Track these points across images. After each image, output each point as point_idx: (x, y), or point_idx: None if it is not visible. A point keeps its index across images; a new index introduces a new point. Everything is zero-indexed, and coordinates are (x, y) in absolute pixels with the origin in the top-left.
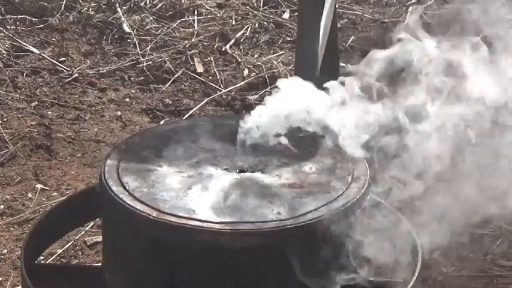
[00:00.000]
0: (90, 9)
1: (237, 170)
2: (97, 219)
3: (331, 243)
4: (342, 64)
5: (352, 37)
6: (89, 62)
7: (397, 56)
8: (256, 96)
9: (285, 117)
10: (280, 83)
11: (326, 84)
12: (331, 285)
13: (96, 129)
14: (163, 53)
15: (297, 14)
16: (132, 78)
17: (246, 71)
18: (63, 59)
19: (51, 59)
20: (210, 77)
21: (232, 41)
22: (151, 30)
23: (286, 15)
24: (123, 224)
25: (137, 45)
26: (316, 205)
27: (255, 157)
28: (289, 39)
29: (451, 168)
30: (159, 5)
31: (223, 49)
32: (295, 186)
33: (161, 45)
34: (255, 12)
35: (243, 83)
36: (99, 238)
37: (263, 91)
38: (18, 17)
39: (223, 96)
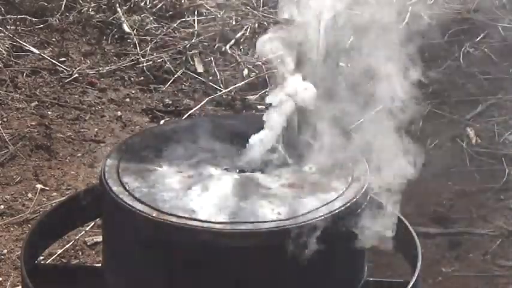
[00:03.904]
0: (90, 9)
1: (237, 170)
2: (97, 219)
3: (331, 243)
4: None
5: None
6: (89, 62)
7: None
8: (257, 96)
9: None
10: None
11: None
12: (330, 284)
13: (96, 129)
14: (163, 53)
15: None
16: (132, 78)
17: (246, 71)
18: (63, 59)
19: (51, 59)
20: (210, 77)
21: (232, 41)
22: (151, 30)
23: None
24: (123, 224)
25: (137, 45)
26: (316, 205)
27: (254, 157)
28: None
29: None
30: (159, 5)
31: (223, 49)
32: (295, 186)
33: (161, 45)
34: (255, 12)
35: (243, 83)
36: (99, 238)
37: (263, 91)
38: (18, 17)
39: (223, 96)
